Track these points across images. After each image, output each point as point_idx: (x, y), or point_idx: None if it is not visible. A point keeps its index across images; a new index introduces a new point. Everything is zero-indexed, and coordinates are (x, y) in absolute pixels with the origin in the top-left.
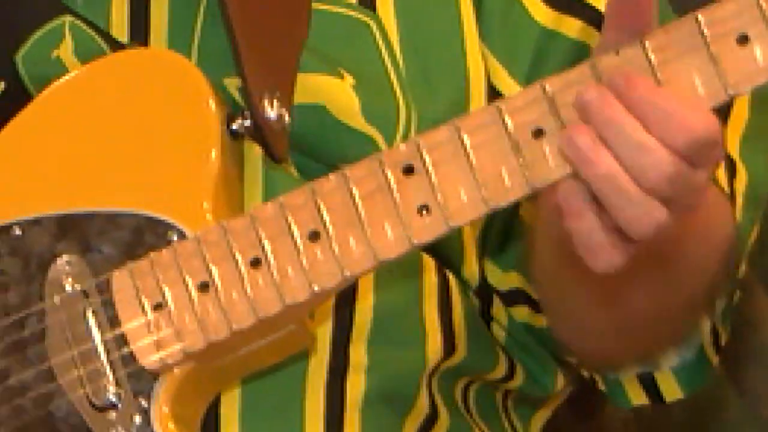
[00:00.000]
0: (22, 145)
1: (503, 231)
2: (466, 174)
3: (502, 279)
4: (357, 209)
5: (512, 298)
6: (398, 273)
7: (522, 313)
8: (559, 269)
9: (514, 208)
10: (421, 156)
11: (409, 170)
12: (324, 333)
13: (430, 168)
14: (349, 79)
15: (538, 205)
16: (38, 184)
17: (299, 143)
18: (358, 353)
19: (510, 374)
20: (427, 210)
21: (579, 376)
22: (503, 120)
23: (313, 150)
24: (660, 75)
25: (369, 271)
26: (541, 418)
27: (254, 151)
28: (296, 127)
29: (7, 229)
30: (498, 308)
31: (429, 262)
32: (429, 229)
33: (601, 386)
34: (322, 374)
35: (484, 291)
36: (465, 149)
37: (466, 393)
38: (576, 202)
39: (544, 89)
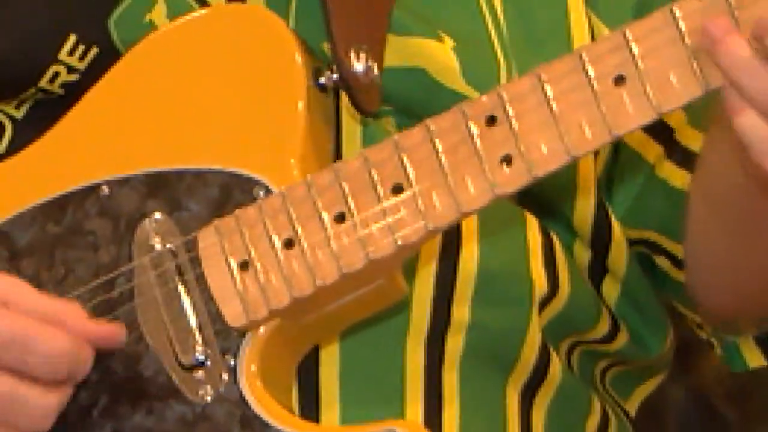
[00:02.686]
0: (110, 104)
1: (637, 194)
2: (548, 123)
3: (636, 234)
4: (440, 161)
5: (651, 248)
6: (502, 230)
7: (662, 262)
8: (732, 191)
9: (651, 171)
10: (504, 107)
11: (491, 121)
12: (425, 291)
13: (513, 118)
14: (449, 42)
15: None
16: (126, 143)
17: (399, 106)
18: (461, 312)
19: (612, 335)
20: (510, 161)
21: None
22: (585, 68)
23: (413, 112)
24: (738, 16)
25: (452, 224)
26: (642, 393)
27: (350, 109)
28: (396, 89)
29: (95, 188)
30: (616, 257)
31: (532, 221)
32: (512, 180)
33: (718, 350)
34: (422, 333)
35: (600, 238)
36: (547, 99)
37: (570, 357)
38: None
39: (626, 36)
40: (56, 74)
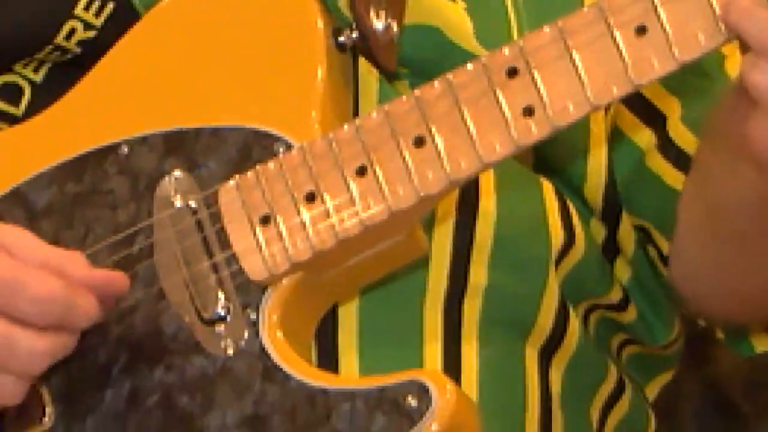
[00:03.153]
0: (128, 64)
1: (628, 181)
2: (569, 74)
3: (636, 221)
4: (462, 113)
5: (645, 236)
6: (519, 188)
7: (651, 252)
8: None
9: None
10: (525, 58)
11: (512, 73)
12: (443, 254)
13: (534, 70)
14: (461, 2)
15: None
16: (144, 102)
17: (413, 64)
18: (478, 274)
19: (624, 304)
20: (532, 112)
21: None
22: (606, 19)
23: (427, 71)
24: None
25: (474, 175)
26: (659, 383)
27: (368, 69)
28: (411, 48)
29: (114, 148)
30: (625, 234)
31: (547, 185)
32: (533, 130)
33: (720, 335)
34: (440, 295)
35: (612, 211)
36: (568, 49)
37: (587, 322)
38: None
39: None
40: (72, 30)
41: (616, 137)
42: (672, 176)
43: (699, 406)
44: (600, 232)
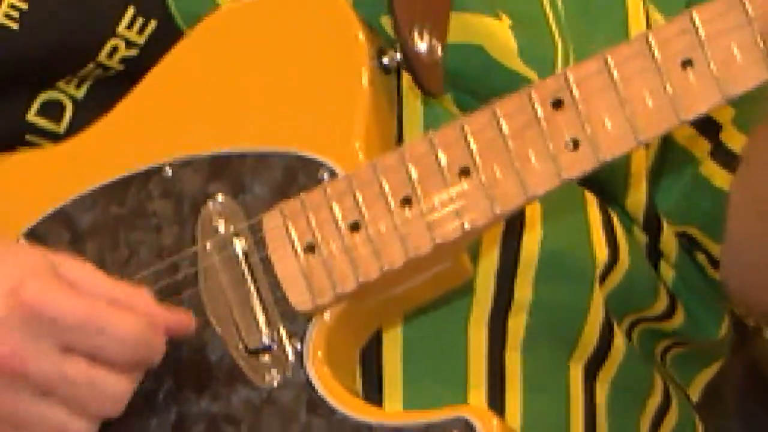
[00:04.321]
0: (172, 85)
1: (683, 191)
2: (615, 107)
3: (680, 228)
4: (506, 145)
5: (691, 243)
6: (564, 210)
7: (699, 257)
8: None
9: (697, 168)
10: (570, 89)
11: (558, 104)
12: (488, 270)
13: (580, 101)
14: (507, 20)
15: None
16: (188, 124)
17: (458, 82)
18: (523, 291)
19: (670, 311)
20: (577, 144)
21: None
22: (652, 51)
23: (471, 89)
24: None
25: (519, 207)
26: (704, 378)
27: (411, 86)
28: (455, 66)
29: (158, 170)
30: (668, 241)
31: (591, 198)
32: (578, 164)
33: (767, 334)
34: (484, 314)
35: (652, 224)
36: (614, 81)
37: (630, 336)
38: None
39: (692, 19)
40: (115, 48)
41: (670, 148)
42: (721, 177)
43: (744, 393)
44: (642, 239)
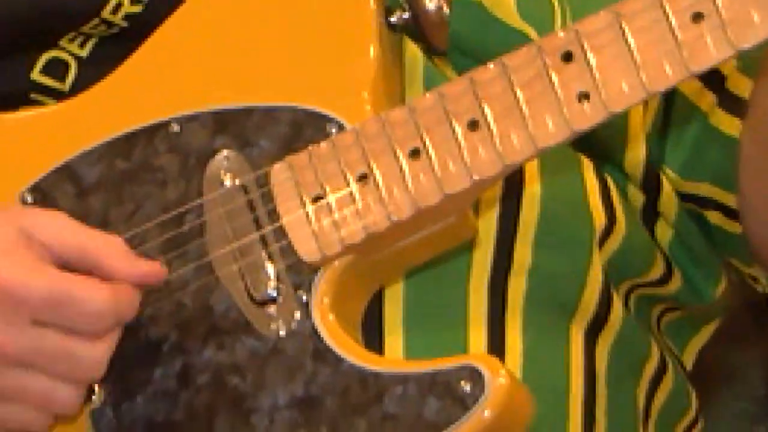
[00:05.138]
0: (178, 42)
1: (693, 143)
2: (625, 60)
3: (689, 187)
4: (516, 97)
5: (700, 203)
6: (562, 170)
7: (713, 217)
8: None
9: (705, 120)
10: (580, 42)
11: (567, 57)
12: (488, 232)
13: (589, 54)
14: None
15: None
16: (195, 80)
17: (456, 40)
18: (523, 254)
19: (666, 277)
20: (587, 97)
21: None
22: (662, 5)
23: (469, 47)
24: None
25: (528, 160)
26: (698, 343)
27: (414, 50)
28: (453, 23)
29: (164, 125)
30: (667, 200)
31: (586, 162)
32: (589, 116)
33: None
34: (485, 274)
35: (651, 183)
36: (624, 35)
37: (627, 301)
38: None
39: None
40: (119, 4)
41: (675, 104)
42: (730, 124)
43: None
44: (638, 198)
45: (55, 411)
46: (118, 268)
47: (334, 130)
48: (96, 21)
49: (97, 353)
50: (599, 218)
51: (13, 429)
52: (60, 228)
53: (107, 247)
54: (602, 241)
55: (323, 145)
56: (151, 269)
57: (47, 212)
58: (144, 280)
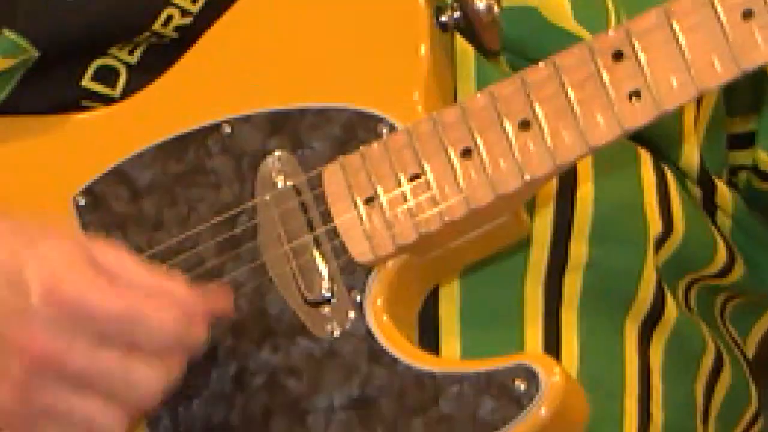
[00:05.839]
0: (229, 43)
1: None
2: (675, 58)
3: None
4: (567, 97)
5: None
6: (616, 168)
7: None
8: None
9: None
10: (631, 42)
11: (618, 56)
12: (543, 230)
13: (640, 53)
14: None
15: None
16: (247, 82)
17: (512, 45)
18: (578, 250)
19: (728, 267)
20: (638, 95)
21: None
22: (713, 3)
23: (525, 52)
24: None
25: (580, 158)
26: (761, 329)
27: (466, 48)
28: (509, 28)
29: (216, 127)
30: (722, 194)
31: (645, 156)
32: (640, 114)
33: None
34: (540, 272)
35: (705, 178)
36: (674, 33)
37: (688, 295)
38: None
39: None
40: (170, 17)
41: None
42: None
43: None
44: (696, 193)
45: None
46: (184, 294)
47: (385, 131)
48: (147, 34)
49: (155, 380)
50: (655, 224)
51: None
52: (122, 258)
53: (169, 279)
54: (659, 246)
55: (375, 146)
56: (221, 298)
57: (109, 243)
58: (215, 308)
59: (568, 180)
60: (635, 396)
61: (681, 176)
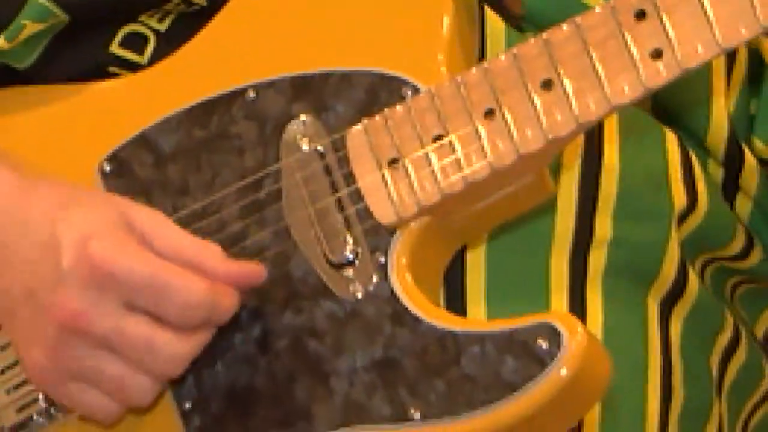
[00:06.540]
0: (253, 9)
1: None
2: (698, 16)
3: None
4: (590, 56)
5: None
6: (643, 143)
7: None
8: None
9: None
10: (653, 0)
11: (641, 15)
12: (569, 201)
13: (662, 12)
14: None
15: None
16: (271, 46)
17: (536, 19)
18: (603, 226)
19: (746, 252)
20: (660, 54)
21: None
22: None
23: (549, 25)
24: None
25: (602, 118)
26: None
27: (497, 25)
28: (532, 3)
29: (241, 92)
30: (748, 176)
31: (671, 136)
32: (662, 73)
33: None
34: (566, 245)
35: (732, 160)
36: None
37: (703, 274)
38: None
39: None
40: None
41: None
42: None
43: None
44: (718, 173)
45: (126, 400)
46: (217, 266)
47: (409, 93)
48: (176, 1)
49: (180, 350)
50: (680, 198)
51: (82, 412)
52: (160, 223)
53: (206, 249)
54: (681, 220)
55: (399, 108)
56: (251, 268)
57: (147, 207)
58: (244, 278)
59: (592, 147)
60: (658, 370)
61: (704, 159)
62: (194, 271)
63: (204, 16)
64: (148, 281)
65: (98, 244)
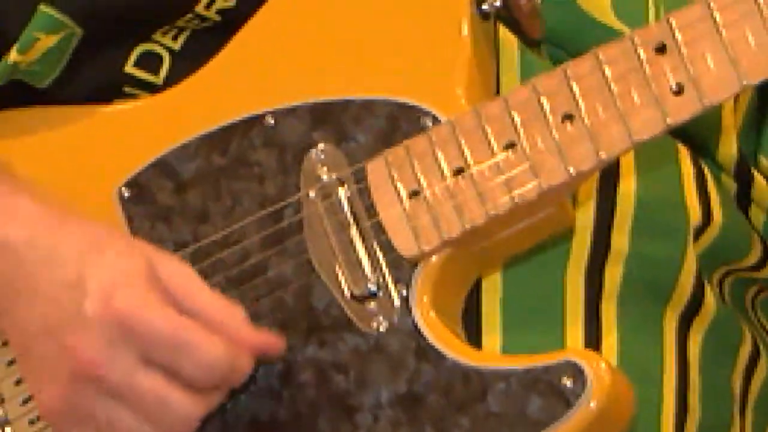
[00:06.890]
0: (271, 34)
1: None
2: (719, 51)
3: None
4: (610, 90)
5: None
6: (658, 163)
7: None
8: None
9: None
10: (674, 34)
11: (661, 49)
12: (586, 222)
13: (683, 46)
14: None
15: None
16: (289, 73)
17: (551, 37)
18: (620, 242)
19: (763, 262)
20: (681, 89)
21: None
22: None
23: (564, 44)
24: None
25: (624, 152)
26: None
27: (509, 38)
28: (548, 21)
29: (260, 118)
30: (760, 189)
31: (683, 150)
32: (684, 108)
33: None
34: (582, 262)
35: (743, 172)
36: (718, 27)
37: (722, 286)
38: None
39: None
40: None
41: None
42: None
43: None
44: (731, 187)
45: None
46: (240, 331)
47: (429, 123)
48: (190, 16)
49: (191, 409)
50: (695, 214)
51: None
52: (187, 278)
53: (230, 311)
54: (698, 235)
55: (420, 138)
56: (271, 339)
57: (177, 260)
58: (263, 347)
59: (610, 172)
60: (673, 386)
61: (717, 172)
62: (215, 331)
63: (218, 32)
64: (169, 338)
65: (123, 297)
